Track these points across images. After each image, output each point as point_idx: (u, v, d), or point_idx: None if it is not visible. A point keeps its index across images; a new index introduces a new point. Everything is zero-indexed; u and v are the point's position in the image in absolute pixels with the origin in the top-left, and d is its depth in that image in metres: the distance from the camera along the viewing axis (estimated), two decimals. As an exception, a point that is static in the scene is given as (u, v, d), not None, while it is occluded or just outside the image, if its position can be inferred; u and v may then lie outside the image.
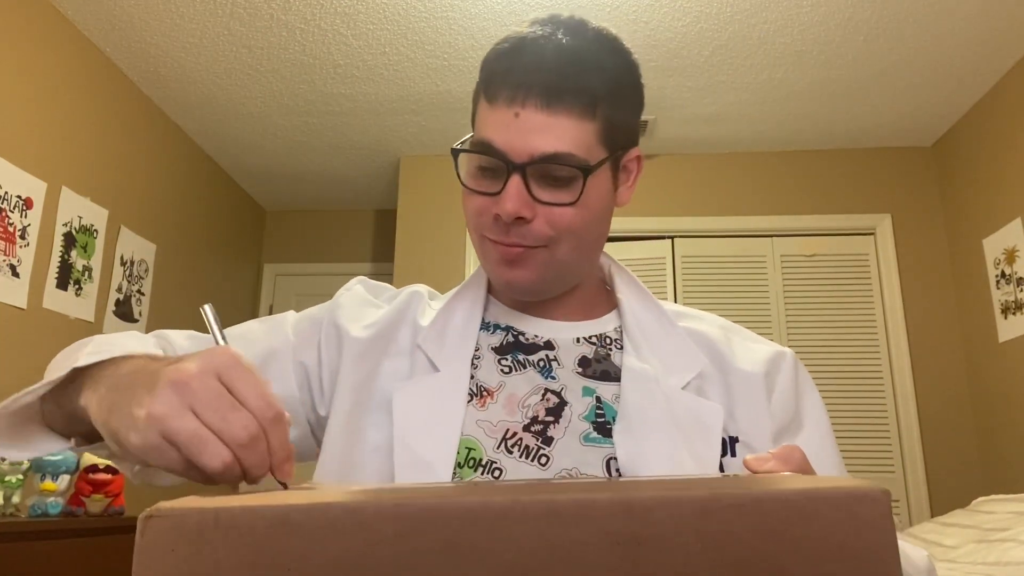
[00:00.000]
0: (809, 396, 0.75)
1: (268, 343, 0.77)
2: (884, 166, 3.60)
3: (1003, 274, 3.01)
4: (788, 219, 3.57)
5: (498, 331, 0.76)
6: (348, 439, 0.71)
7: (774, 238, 3.57)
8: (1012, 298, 2.95)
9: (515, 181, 0.66)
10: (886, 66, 2.94)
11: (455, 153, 0.71)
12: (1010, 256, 2.96)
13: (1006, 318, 2.99)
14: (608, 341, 0.75)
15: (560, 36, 0.68)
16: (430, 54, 2.93)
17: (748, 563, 0.29)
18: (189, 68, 3.03)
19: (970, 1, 2.56)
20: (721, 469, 0.67)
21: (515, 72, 0.67)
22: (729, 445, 0.69)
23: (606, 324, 0.77)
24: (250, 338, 0.78)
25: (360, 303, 0.81)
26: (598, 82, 0.67)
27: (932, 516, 3.06)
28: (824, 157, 3.64)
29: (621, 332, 0.76)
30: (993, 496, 2.30)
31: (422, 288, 0.83)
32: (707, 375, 0.72)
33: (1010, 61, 2.91)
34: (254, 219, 4.43)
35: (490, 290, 0.80)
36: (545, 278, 0.71)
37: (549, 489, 0.34)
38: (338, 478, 0.70)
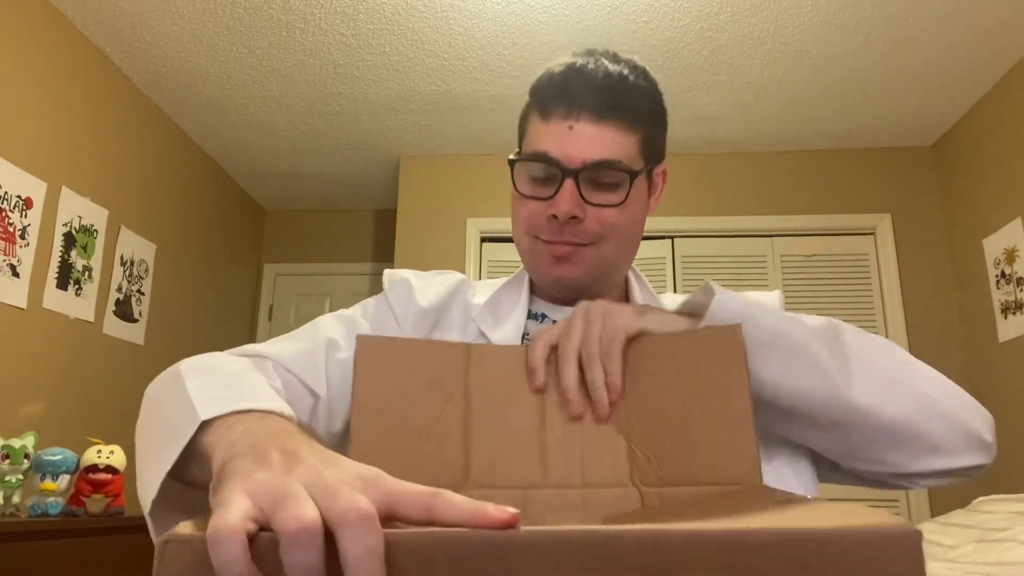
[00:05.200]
0: None
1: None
2: (884, 166, 3.59)
3: (1003, 274, 3.01)
4: (788, 219, 3.57)
5: (545, 320, 0.84)
6: None
7: (774, 238, 3.57)
8: (1012, 298, 2.95)
9: (569, 185, 0.74)
10: (886, 66, 2.94)
11: (512, 163, 0.79)
12: (1010, 256, 2.96)
13: (1006, 318, 2.99)
14: None
15: (604, 63, 0.77)
16: (430, 54, 2.93)
17: None
18: (189, 68, 3.03)
19: (970, 1, 2.56)
20: None
21: (570, 92, 0.76)
22: None
23: None
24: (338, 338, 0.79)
25: (408, 287, 0.84)
26: (639, 102, 0.77)
27: (932, 516, 3.06)
28: (824, 157, 3.64)
29: None
30: (993, 496, 2.29)
31: (464, 277, 0.90)
32: None
33: (1010, 61, 2.91)
34: (254, 219, 4.43)
35: (532, 290, 0.87)
36: (591, 275, 0.79)
37: (575, 521, 0.34)
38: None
